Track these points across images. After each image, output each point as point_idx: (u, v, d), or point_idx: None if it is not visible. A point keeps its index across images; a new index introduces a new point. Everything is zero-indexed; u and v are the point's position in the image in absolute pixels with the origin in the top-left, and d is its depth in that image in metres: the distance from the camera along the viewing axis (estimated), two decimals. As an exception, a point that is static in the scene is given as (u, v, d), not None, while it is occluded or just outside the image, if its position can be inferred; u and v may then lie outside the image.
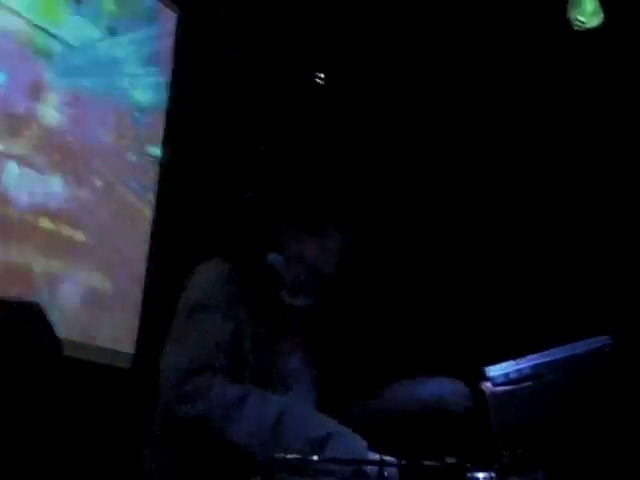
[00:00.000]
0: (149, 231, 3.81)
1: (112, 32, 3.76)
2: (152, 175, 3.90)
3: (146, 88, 3.93)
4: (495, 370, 1.89)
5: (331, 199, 2.04)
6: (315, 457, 1.54)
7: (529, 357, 1.87)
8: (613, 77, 3.70)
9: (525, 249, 3.88)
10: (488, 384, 1.89)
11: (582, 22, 3.50)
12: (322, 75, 4.30)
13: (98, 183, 3.62)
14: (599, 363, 1.81)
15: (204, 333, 1.84)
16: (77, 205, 3.49)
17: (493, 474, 1.56)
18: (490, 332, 3.64)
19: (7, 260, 3.16)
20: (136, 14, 3.91)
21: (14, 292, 3.02)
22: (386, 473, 1.50)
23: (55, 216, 3.39)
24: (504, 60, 3.96)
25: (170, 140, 3.96)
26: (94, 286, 3.52)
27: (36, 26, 3.40)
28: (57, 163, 3.43)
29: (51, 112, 3.44)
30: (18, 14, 3.33)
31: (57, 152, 3.44)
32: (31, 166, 3.32)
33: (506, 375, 1.87)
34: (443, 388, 2.10)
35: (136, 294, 3.71)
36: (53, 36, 3.47)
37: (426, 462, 1.53)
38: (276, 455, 1.50)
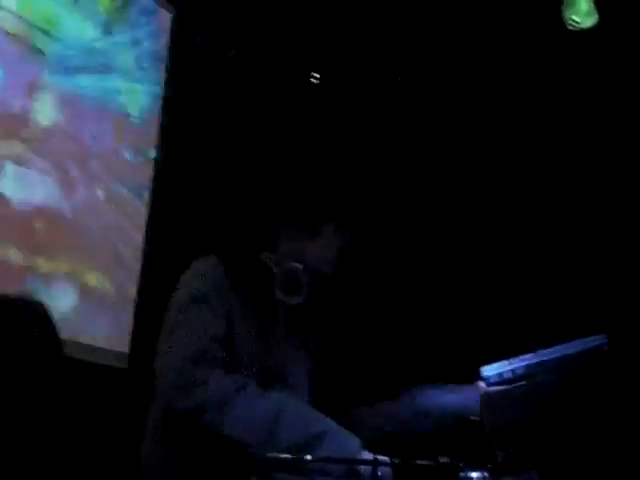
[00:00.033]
0: (144, 231, 3.81)
1: (108, 32, 3.76)
2: (148, 174, 3.89)
3: (142, 87, 3.93)
4: (489, 370, 1.90)
5: (330, 199, 2.05)
6: (309, 456, 1.54)
7: (523, 357, 1.87)
8: (608, 76, 3.71)
9: (519, 250, 3.89)
10: (482, 384, 1.90)
11: (577, 22, 3.51)
12: (317, 75, 4.30)
13: (94, 183, 3.62)
14: (592, 363, 1.82)
15: (199, 326, 1.84)
16: (73, 205, 3.49)
17: (486, 474, 1.56)
18: (484, 332, 3.65)
19: (3, 259, 3.16)
20: (132, 14, 3.90)
21: (9, 291, 3.01)
22: (380, 472, 1.50)
23: (50, 216, 3.39)
24: (500, 59, 3.96)
25: (166, 139, 3.95)
26: (89, 286, 3.52)
27: (32, 25, 3.40)
28: (53, 162, 3.43)
29: (47, 111, 3.43)
30: (14, 13, 3.32)
31: (53, 151, 3.44)
32: (27, 165, 3.32)
33: (500, 375, 1.88)
34: (465, 396, 2.05)
35: (131, 294, 3.70)
36: (49, 35, 3.47)
37: (419, 462, 1.53)
38: (270, 455, 1.51)
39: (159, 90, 4.00)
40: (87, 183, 3.58)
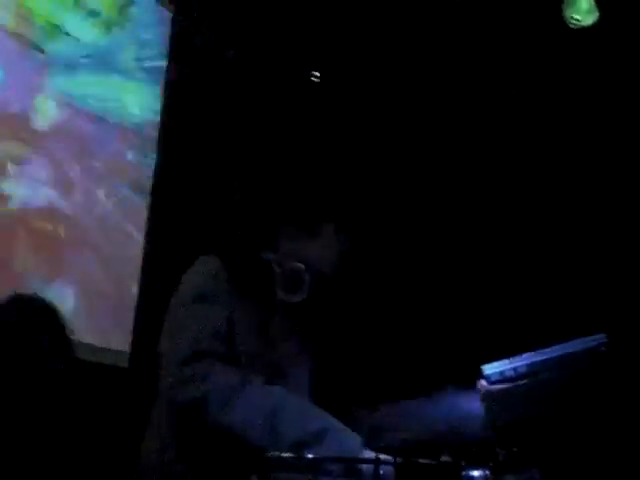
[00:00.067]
0: (145, 230, 3.81)
1: (108, 31, 3.76)
2: (148, 174, 3.89)
3: (142, 86, 3.93)
4: (491, 368, 1.89)
5: (330, 199, 2.05)
6: (310, 455, 1.54)
7: (525, 355, 1.87)
8: (608, 75, 3.71)
9: (520, 249, 3.88)
10: (483, 382, 1.89)
11: (577, 20, 3.51)
12: (318, 74, 4.30)
13: (94, 182, 3.62)
14: (594, 361, 1.81)
15: (201, 322, 1.85)
16: (73, 204, 3.49)
17: (488, 472, 1.56)
18: (486, 330, 3.65)
19: (3, 259, 3.16)
20: (133, 14, 3.90)
21: (9, 291, 3.01)
22: (382, 471, 1.50)
23: (51, 215, 3.39)
24: (501, 58, 3.96)
25: (166, 139, 3.95)
26: (90, 285, 3.52)
27: (33, 25, 3.40)
28: (53, 162, 3.43)
29: (48, 111, 3.43)
30: (15, 12, 3.32)
31: (54, 151, 3.44)
32: (27, 165, 3.32)
33: (501, 373, 1.87)
34: (461, 410, 2.01)
35: (132, 293, 3.70)
36: (50, 35, 3.47)
37: (422, 460, 1.53)
38: (271, 454, 1.50)
39: (159, 90, 3.99)
40: (87, 183, 3.58)
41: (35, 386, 1.58)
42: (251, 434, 1.69)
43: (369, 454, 1.63)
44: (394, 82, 4.19)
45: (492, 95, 4.00)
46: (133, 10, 3.91)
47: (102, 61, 3.72)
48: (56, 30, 3.50)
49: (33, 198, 3.32)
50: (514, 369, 1.86)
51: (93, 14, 3.69)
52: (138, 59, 3.91)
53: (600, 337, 1.84)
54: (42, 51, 3.43)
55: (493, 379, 1.88)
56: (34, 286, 3.21)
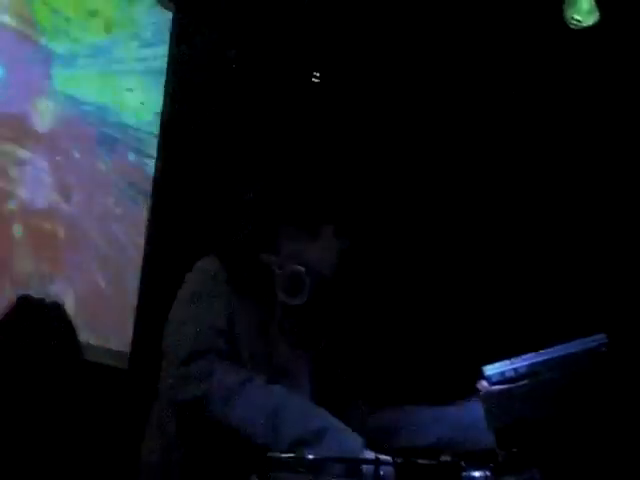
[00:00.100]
0: (145, 231, 3.81)
1: (109, 31, 3.76)
2: (149, 174, 3.89)
3: (143, 86, 3.93)
4: (491, 369, 1.89)
5: (329, 201, 2.05)
6: (310, 456, 1.54)
7: (525, 356, 1.87)
8: (610, 75, 3.71)
9: (521, 249, 3.88)
10: (484, 383, 1.89)
11: (578, 21, 3.51)
12: (318, 74, 4.30)
13: (95, 183, 3.62)
14: (595, 362, 1.81)
15: (204, 320, 1.86)
16: (74, 205, 3.49)
17: (489, 473, 1.56)
18: (486, 331, 3.65)
19: (3, 259, 3.16)
20: (134, 14, 3.90)
21: (9, 291, 3.02)
22: (382, 472, 1.50)
23: (51, 216, 3.39)
24: (501, 58, 3.96)
25: (167, 140, 3.95)
26: (90, 286, 3.52)
27: (34, 24, 3.40)
28: (54, 162, 3.43)
29: (49, 111, 3.43)
30: (16, 12, 3.32)
31: (55, 151, 3.44)
32: (28, 166, 3.32)
33: (502, 374, 1.87)
34: (462, 421, 1.99)
35: (133, 294, 3.70)
36: (51, 35, 3.47)
37: (422, 461, 1.53)
38: (271, 454, 1.50)
39: (161, 89, 3.99)
40: (88, 183, 3.58)
41: (41, 388, 1.58)
42: (252, 432, 1.70)
43: (370, 455, 1.63)
44: (395, 83, 4.19)
45: (492, 95, 4.00)
46: (133, 10, 3.91)
47: (103, 61, 3.72)
48: (57, 30, 3.50)
49: (33, 198, 3.31)
50: (515, 370, 1.85)
51: (94, 14, 3.69)
52: (139, 59, 3.91)
53: (600, 337, 1.84)
54: (43, 51, 3.43)
55: (494, 380, 1.88)
56: (34, 286, 3.21)
